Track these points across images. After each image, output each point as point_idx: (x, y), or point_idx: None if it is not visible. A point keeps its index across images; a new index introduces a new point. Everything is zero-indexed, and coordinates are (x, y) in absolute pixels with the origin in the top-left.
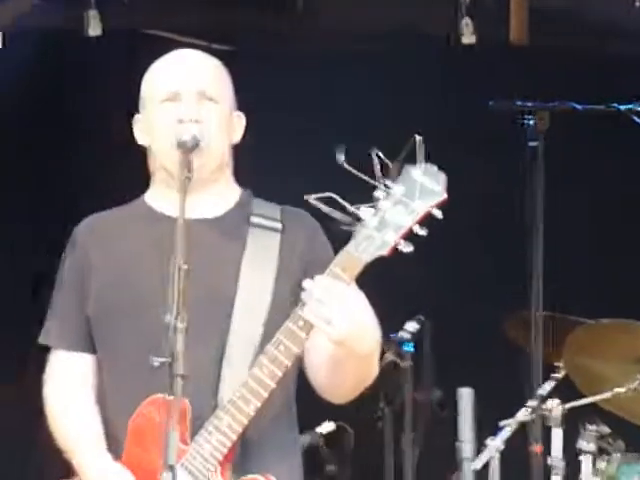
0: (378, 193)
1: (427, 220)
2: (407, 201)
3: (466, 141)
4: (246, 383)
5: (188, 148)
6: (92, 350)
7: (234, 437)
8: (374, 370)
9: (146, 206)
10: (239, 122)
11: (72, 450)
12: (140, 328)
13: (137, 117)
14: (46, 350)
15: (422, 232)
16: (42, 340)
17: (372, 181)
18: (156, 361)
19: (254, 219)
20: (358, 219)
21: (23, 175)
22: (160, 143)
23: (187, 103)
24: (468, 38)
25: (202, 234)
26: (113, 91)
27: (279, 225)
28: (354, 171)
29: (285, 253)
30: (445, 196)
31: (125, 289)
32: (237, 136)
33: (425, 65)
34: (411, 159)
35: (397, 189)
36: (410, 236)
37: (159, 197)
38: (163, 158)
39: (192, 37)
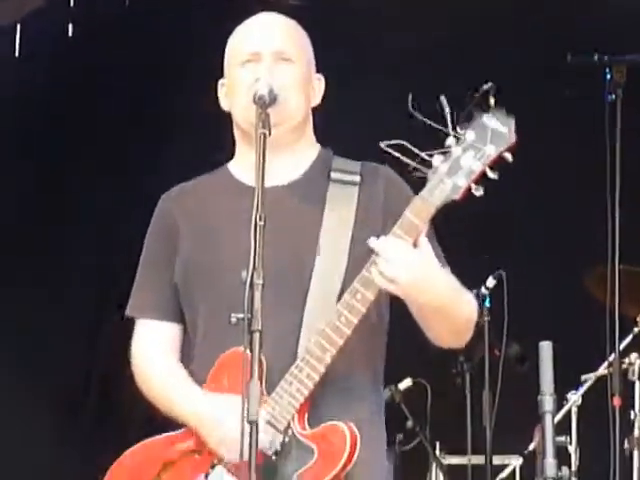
0: (449, 140)
1: (503, 174)
2: (478, 146)
3: (544, 94)
4: (323, 331)
5: (265, 103)
6: (179, 319)
7: (311, 385)
8: (465, 316)
9: (229, 175)
10: (319, 85)
11: (172, 401)
12: (223, 292)
13: (222, 82)
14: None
15: (493, 175)
16: (130, 312)
17: (443, 128)
18: (234, 317)
19: (333, 174)
20: (430, 165)
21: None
22: (240, 104)
23: (265, 63)
24: None
25: (282, 199)
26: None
27: (357, 178)
28: (425, 119)
29: (364, 205)
30: (514, 139)
31: (210, 254)
32: (317, 99)
33: (502, 16)
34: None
35: (468, 135)
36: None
37: (242, 165)
38: (242, 118)
39: None
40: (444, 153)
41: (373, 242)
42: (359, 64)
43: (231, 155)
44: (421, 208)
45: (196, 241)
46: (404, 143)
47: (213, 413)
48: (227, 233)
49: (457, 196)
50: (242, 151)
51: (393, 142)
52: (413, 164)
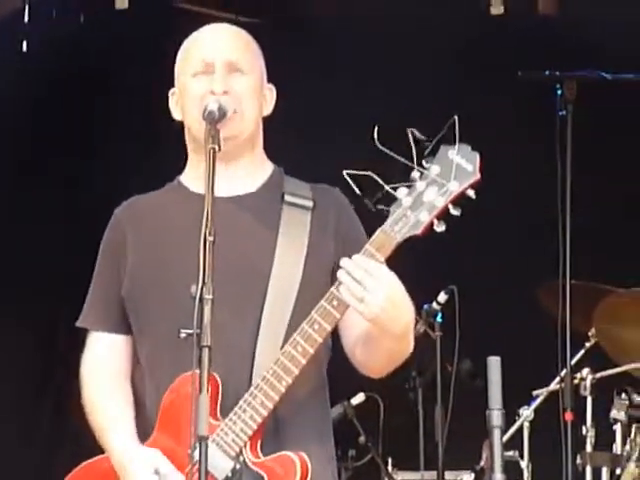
0: (414, 173)
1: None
2: (442, 181)
3: (496, 111)
4: (278, 360)
5: (214, 119)
6: (128, 331)
7: (265, 413)
8: (409, 348)
9: (181, 186)
10: (270, 95)
11: (102, 430)
12: (172, 304)
13: (172, 91)
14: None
15: (456, 212)
16: (80, 323)
17: (407, 162)
18: (183, 332)
19: (287, 198)
20: (393, 198)
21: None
22: (192, 115)
23: (217, 75)
24: (497, 9)
25: (236, 211)
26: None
27: (310, 203)
28: (389, 152)
29: (316, 230)
30: (478, 176)
31: (158, 267)
32: (268, 109)
33: (453, 35)
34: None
35: (432, 169)
36: (444, 216)
37: (193, 175)
38: (195, 130)
39: (219, 10)
40: (409, 186)
41: (345, 261)
42: (313, 80)
43: (182, 167)
44: (383, 241)
45: (144, 254)
46: (369, 173)
47: (134, 467)
48: (177, 246)
49: (419, 231)
50: (194, 162)
51: (358, 173)
52: (371, 199)
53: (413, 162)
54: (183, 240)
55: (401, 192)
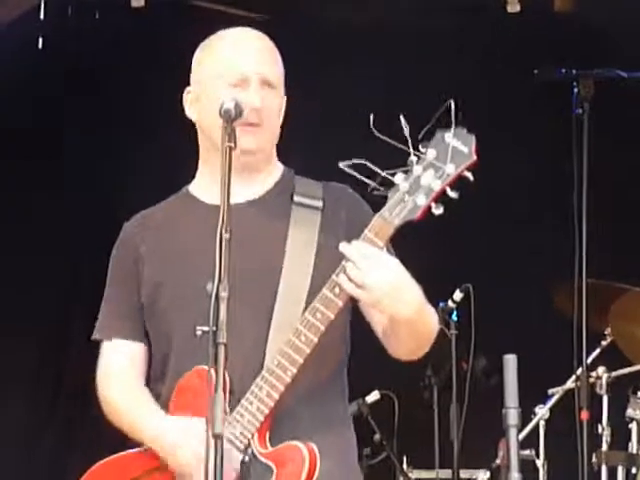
0: (411, 158)
1: (473, 190)
2: (438, 165)
3: (512, 110)
4: (282, 350)
5: (231, 117)
6: (143, 339)
7: (271, 404)
8: (430, 327)
9: (190, 196)
10: (284, 104)
11: (132, 422)
12: (192, 308)
13: (188, 90)
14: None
15: (454, 195)
16: (97, 335)
17: (404, 146)
18: (199, 329)
19: (296, 198)
20: (391, 184)
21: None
22: (217, 123)
23: (253, 89)
24: (513, 7)
25: (246, 216)
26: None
27: (320, 203)
28: (385, 138)
29: (326, 229)
30: (475, 158)
31: (176, 274)
32: (282, 117)
33: (470, 34)
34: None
35: (429, 153)
36: (443, 199)
37: (204, 185)
38: (217, 136)
39: (231, 7)
40: (405, 172)
41: (344, 247)
42: (325, 79)
43: (192, 177)
44: (381, 227)
45: (161, 264)
46: (365, 162)
47: (173, 437)
48: (192, 253)
49: (417, 215)
50: (204, 171)
51: (353, 162)
52: (372, 184)
53: (409, 147)
54: (198, 248)
55: (398, 177)
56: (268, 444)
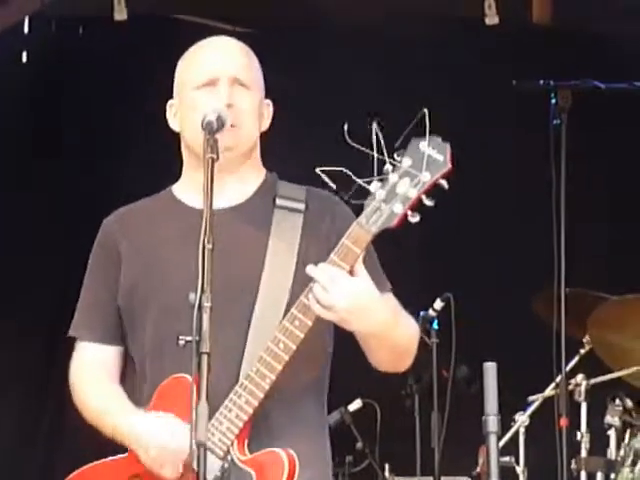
0: (386, 166)
1: (453, 199)
2: (414, 172)
3: (491, 120)
4: (261, 358)
5: (213, 129)
6: (118, 342)
7: (250, 411)
8: (406, 339)
9: (173, 198)
10: (268, 110)
11: (100, 415)
12: (168, 313)
13: (171, 103)
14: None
15: (429, 203)
16: (71, 332)
17: (380, 156)
18: (182, 339)
19: (278, 201)
20: (367, 192)
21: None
22: (193, 128)
23: (222, 88)
24: (491, 19)
25: (228, 222)
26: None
27: (302, 206)
28: (361, 147)
29: (308, 233)
30: (450, 167)
31: (153, 277)
32: (266, 124)
33: (449, 45)
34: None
35: (404, 161)
36: (419, 207)
37: (187, 188)
38: (194, 141)
39: (217, 21)
40: (381, 180)
41: (311, 269)
42: (303, 89)
43: (176, 178)
44: (358, 235)
45: (140, 265)
46: (342, 169)
47: (149, 433)
48: (172, 256)
49: (394, 223)
50: (188, 174)
51: (330, 168)
52: (345, 194)
53: (384, 156)
54: (178, 251)
55: (374, 185)
56: (247, 451)
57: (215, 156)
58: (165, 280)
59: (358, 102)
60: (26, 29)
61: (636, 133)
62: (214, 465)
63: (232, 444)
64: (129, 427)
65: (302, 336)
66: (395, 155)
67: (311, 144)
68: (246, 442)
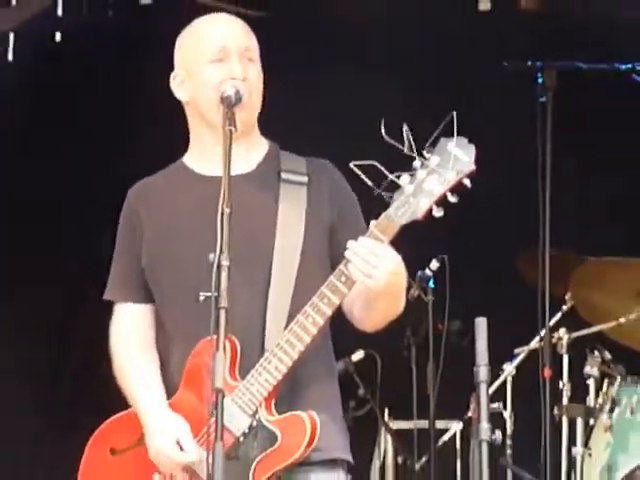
0: (416, 163)
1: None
2: (441, 171)
3: (483, 99)
4: (292, 329)
5: (232, 103)
6: (150, 300)
7: (279, 377)
8: (402, 305)
9: (185, 168)
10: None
11: (132, 396)
12: (188, 274)
13: (176, 74)
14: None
15: (453, 199)
16: (107, 296)
17: (411, 152)
18: (202, 295)
19: (284, 175)
20: (397, 186)
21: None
22: (209, 100)
23: (234, 61)
24: (484, 5)
25: (239, 188)
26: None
27: (305, 179)
28: (394, 142)
29: (312, 202)
30: (474, 167)
31: (172, 241)
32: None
33: (445, 31)
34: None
35: (432, 159)
36: (443, 202)
37: (198, 157)
38: (210, 114)
39: (239, 6)
40: (411, 175)
41: (351, 243)
42: (325, 76)
43: (184, 149)
44: (387, 225)
45: (160, 230)
46: (375, 163)
47: (156, 425)
48: (189, 222)
49: (420, 216)
50: (198, 143)
51: (364, 162)
52: (376, 189)
53: (414, 152)
54: (192, 217)
55: (404, 180)
56: (274, 412)
57: (234, 128)
58: (181, 244)
59: (359, 85)
60: (60, 11)
61: (618, 107)
62: (243, 423)
63: (260, 405)
64: (145, 415)
65: (330, 313)
66: (424, 152)
67: (333, 136)
68: (273, 403)
